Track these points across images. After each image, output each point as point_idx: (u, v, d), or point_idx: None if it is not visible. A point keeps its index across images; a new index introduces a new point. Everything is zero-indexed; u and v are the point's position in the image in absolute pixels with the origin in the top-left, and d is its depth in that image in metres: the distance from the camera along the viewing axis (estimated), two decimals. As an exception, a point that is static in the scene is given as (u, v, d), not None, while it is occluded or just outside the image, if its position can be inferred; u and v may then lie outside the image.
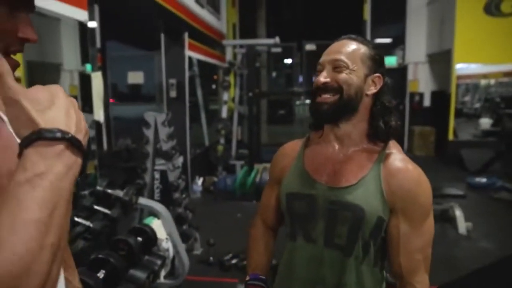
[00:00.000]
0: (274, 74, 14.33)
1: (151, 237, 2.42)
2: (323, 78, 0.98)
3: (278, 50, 7.92)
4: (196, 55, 5.44)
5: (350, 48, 0.99)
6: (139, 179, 2.98)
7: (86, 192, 2.54)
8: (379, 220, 0.96)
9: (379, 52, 1.03)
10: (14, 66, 0.54)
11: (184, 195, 3.10)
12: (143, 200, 2.68)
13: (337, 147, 1.04)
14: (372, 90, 1.00)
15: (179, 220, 2.96)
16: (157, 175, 3.67)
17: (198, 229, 3.49)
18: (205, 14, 5.74)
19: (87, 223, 2.13)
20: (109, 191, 2.36)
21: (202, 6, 5.57)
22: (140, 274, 2.29)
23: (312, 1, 14.21)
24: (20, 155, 0.44)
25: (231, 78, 6.46)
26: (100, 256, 2.00)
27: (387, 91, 1.03)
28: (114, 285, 1.99)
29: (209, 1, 6.04)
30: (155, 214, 2.71)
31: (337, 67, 0.98)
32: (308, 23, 14.34)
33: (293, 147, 1.14)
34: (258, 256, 1.19)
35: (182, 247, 2.84)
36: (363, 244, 0.98)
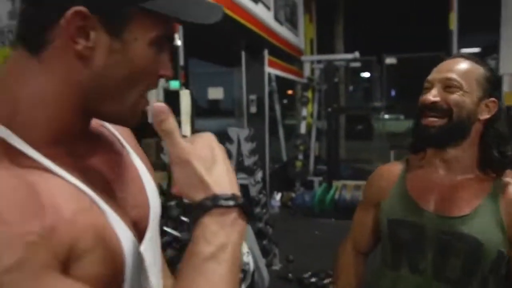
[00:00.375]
0: (352, 88, 14.02)
1: (233, 250, 2.46)
2: (432, 96, 0.90)
3: (357, 64, 7.73)
4: (275, 71, 5.52)
5: (465, 68, 0.91)
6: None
7: (173, 203, 2.68)
8: (500, 255, 0.86)
9: (495, 74, 0.94)
10: (145, 106, 0.54)
11: (264, 210, 3.11)
12: (226, 213, 2.74)
13: (443, 172, 0.95)
14: (485, 115, 0.91)
15: (259, 235, 2.97)
16: (237, 189, 3.75)
17: (277, 245, 3.48)
18: (283, 31, 5.83)
19: (176, 233, 2.23)
20: (195, 203, 2.46)
21: (281, 23, 5.67)
22: None
23: (393, 13, 13.71)
24: (195, 221, 0.45)
25: (309, 94, 6.43)
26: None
27: (502, 117, 0.93)
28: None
29: (288, 18, 6.13)
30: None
31: (449, 86, 0.90)
32: (389, 36, 13.83)
33: (391, 169, 1.07)
34: (345, 283, 1.13)
35: (262, 261, 2.84)
36: (481, 279, 0.88)
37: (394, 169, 1.06)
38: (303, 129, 6.07)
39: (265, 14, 4.86)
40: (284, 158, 6.41)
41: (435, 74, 0.94)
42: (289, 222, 4.85)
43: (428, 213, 0.94)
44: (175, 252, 2.19)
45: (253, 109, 4.83)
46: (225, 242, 0.43)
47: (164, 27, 0.48)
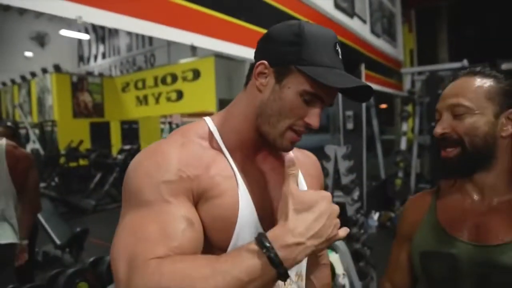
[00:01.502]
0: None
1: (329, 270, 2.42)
2: (440, 129, 0.84)
3: (465, 73, 7.06)
4: (372, 85, 5.34)
5: (472, 87, 0.83)
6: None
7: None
8: None
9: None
10: (295, 139, 0.73)
11: (362, 231, 3.01)
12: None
13: (476, 197, 0.86)
14: (509, 130, 0.81)
15: (356, 256, 2.87)
16: (333, 207, 3.68)
17: (375, 268, 3.32)
18: (381, 43, 5.64)
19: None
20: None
21: (378, 36, 5.50)
22: (320, 308, 2.30)
23: (504, 13, 12.27)
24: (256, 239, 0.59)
25: (409, 108, 6.07)
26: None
27: None
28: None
29: (385, 30, 5.92)
30: (333, 248, 2.71)
31: (457, 114, 0.82)
32: (502, 39, 12.38)
33: (423, 198, 0.98)
34: None
35: (358, 284, 2.73)
36: None
37: (424, 198, 0.97)
38: (403, 145, 5.74)
39: (361, 28, 4.77)
40: (382, 175, 6.11)
41: (441, 102, 0.86)
42: (388, 243, 4.56)
43: (461, 243, 0.83)
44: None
45: (350, 126, 4.73)
46: (240, 271, 0.57)
47: (312, 86, 0.68)
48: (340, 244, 2.66)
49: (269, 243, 0.57)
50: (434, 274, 0.88)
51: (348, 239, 2.97)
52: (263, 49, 0.74)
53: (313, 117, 0.71)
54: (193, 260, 0.60)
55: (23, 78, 9.49)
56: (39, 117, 9.12)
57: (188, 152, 0.70)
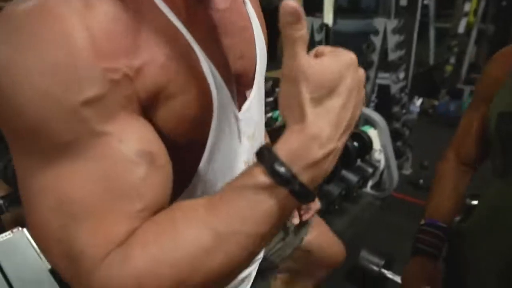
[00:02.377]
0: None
1: (367, 144, 2.42)
2: None
3: None
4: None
5: None
6: (359, 88, 2.93)
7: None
8: None
9: None
10: None
11: (404, 111, 2.90)
12: (362, 108, 2.65)
13: None
14: None
15: (394, 135, 2.83)
16: (375, 88, 3.54)
17: (412, 149, 3.30)
18: None
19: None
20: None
21: None
22: (352, 177, 2.36)
23: None
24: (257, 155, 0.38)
25: (476, -15, 5.32)
26: (320, 150, 2.13)
27: None
28: (328, 180, 2.12)
29: None
30: (372, 123, 2.66)
31: None
32: None
33: (508, 53, 0.82)
34: (441, 198, 0.94)
35: (394, 162, 2.75)
36: None
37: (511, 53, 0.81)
38: (461, 28, 5.18)
39: None
40: (431, 61, 5.70)
41: None
42: (428, 130, 4.49)
43: None
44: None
45: (403, 1, 4.25)
46: (250, 204, 0.37)
47: None
48: (380, 121, 2.61)
49: (287, 169, 0.35)
50: (511, 137, 0.76)
51: (388, 117, 2.89)
52: None
53: None
54: (175, 228, 0.36)
55: None
56: None
57: (106, 21, 0.37)
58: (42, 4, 0.35)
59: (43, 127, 0.35)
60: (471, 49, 5.30)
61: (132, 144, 0.38)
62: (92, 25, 0.36)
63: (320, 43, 3.10)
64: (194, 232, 0.36)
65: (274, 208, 0.36)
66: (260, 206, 0.36)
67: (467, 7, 5.18)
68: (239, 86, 0.57)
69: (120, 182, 0.37)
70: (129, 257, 0.35)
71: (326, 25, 2.97)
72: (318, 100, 0.36)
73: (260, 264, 0.86)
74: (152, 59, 0.41)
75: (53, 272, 1.14)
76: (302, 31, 0.36)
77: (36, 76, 0.33)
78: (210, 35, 0.51)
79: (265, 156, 0.36)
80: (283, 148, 0.36)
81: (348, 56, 0.39)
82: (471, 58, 5.48)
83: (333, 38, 6.05)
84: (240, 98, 0.58)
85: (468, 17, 5.21)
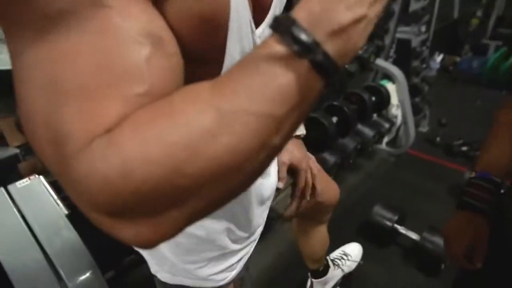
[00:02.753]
0: None
1: (384, 98, 2.35)
2: None
3: None
4: None
5: None
6: (378, 41, 2.80)
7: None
8: None
9: None
10: None
11: (424, 65, 2.79)
12: (380, 61, 2.55)
13: None
14: None
15: (413, 91, 2.74)
16: (394, 43, 3.39)
17: (430, 106, 3.21)
18: None
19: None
20: (350, 44, 2.32)
21: None
22: (368, 131, 2.32)
23: None
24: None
25: None
26: (335, 103, 2.07)
27: None
28: (343, 133, 2.08)
29: None
30: (390, 78, 2.57)
31: None
32: None
33: None
34: (497, 149, 0.86)
35: (411, 118, 2.68)
36: None
37: None
38: (490, -22, 4.86)
39: None
40: (455, 15, 5.41)
41: None
42: (447, 87, 4.35)
43: None
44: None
45: None
46: (270, 75, 0.30)
47: None
48: (398, 75, 2.52)
49: (308, 35, 0.29)
50: None
51: (407, 72, 2.79)
52: None
53: None
54: (173, 109, 0.30)
55: None
56: None
57: None
58: None
59: None
60: (499, 1, 4.99)
61: (136, 22, 0.33)
62: None
63: None
64: (194, 112, 0.30)
65: (292, 84, 0.30)
66: (275, 81, 0.29)
67: (498, -47, 4.82)
68: (255, 11, 0.51)
69: (119, 61, 0.31)
70: (116, 139, 0.29)
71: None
72: None
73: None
74: None
75: (69, 216, 1.17)
76: None
77: None
78: None
79: (281, 23, 0.30)
80: (303, 11, 0.30)
81: None
82: (499, 10, 5.18)
83: None
84: (260, 15, 0.52)
85: (499, -35, 4.86)
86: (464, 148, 2.94)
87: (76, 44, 0.31)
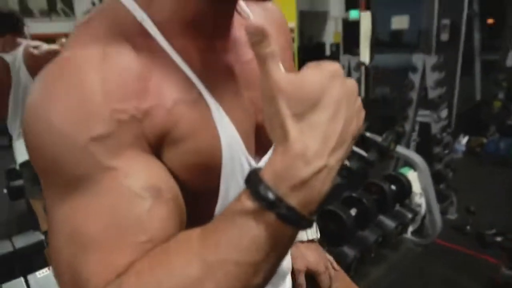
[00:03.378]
0: None
1: (405, 187, 2.28)
2: None
3: None
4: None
5: None
6: (398, 127, 2.82)
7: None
8: None
9: None
10: None
11: (446, 151, 2.74)
12: (401, 149, 2.52)
13: None
14: None
15: (436, 178, 2.66)
16: (416, 127, 3.40)
17: (456, 192, 3.08)
18: None
19: (345, 161, 2.18)
20: (368, 134, 2.33)
21: None
22: (390, 222, 2.22)
23: None
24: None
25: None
26: (353, 195, 2.03)
27: None
28: (363, 226, 2.00)
29: None
30: (411, 165, 2.52)
31: None
32: None
33: None
34: None
35: (436, 206, 2.57)
36: None
37: None
38: (510, 61, 4.93)
39: None
40: (478, 97, 5.44)
41: None
42: (475, 170, 4.21)
43: None
44: (344, 181, 2.16)
45: (444, 36, 4.12)
46: (239, 231, 0.36)
47: None
48: (420, 162, 2.47)
49: (272, 192, 0.34)
50: None
51: (429, 158, 2.74)
52: None
53: None
54: (168, 259, 0.37)
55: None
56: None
57: (118, 70, 0.42)
58: (69, 55, 0.43)
59: (59, 163, 0.40)
60: (521, 83, 5.00)
61: (137, 179, 0.40)
62: (105, 73, 0.41)
63: (357, 81, 3.04)
64: (184, 262, 0.36)
65: (263, 234, 0.35)
66: (248, 233, 0.35)
67: (515, 40, 4.94)
68: (261, 138, 0.55)
69: (125, 215, 0.39)
70: (124, 285, 0.36)
71: (363, 63, 2.92)
72: (300, 116, 0.35)
73: None
74: (160, 103, 0.44)
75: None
76: (270, 47, 0.36)
77: (54, 116, 0.39)
78: (229, 87, 0.52)
79: (251, 180, 0.36)
80: (268, 170, 0.35)
81: (330, 67, 0.37)
82: (521, 92, 5.17)
83: (373, 73, 6.01)
84: (262, 149, 0.57)
85: (517, 50, 4.96)
86: (498, 239, 2.74)
87: (90, 204, 0.39)
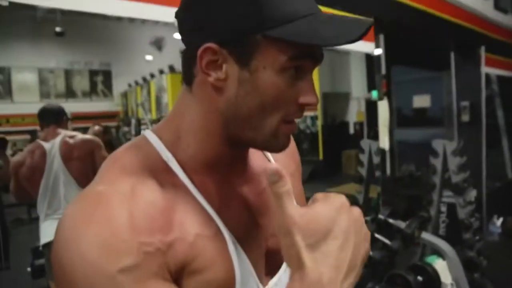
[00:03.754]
0: None
1: (433, 278, 2.16)
2: None
3: None
4: (495, 71, 4.64)
5: None
6: (423, 211, 2.75)
7: (368, 218, 2.57)
8: None
9: None
10: (292, 131, 0.53)
11: (477, 237, 2.62)
12: (426, 235, 2.44)
13: None
14: None
15: (469, 266, 2.51)
16: (443, 208, 3.29)
17: (493, 281, 2.87)
18: (509, 20, 4.84)
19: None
20: (391, 221, 2.29)
21: (505, 11, 4.73)
22: (419, 319, 2.07)
23: None
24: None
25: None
26: (377, 287, 1.94)
27: None
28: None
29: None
30: (439, 253, 2.41)
31: None
32: None
33: None
34: None
35: (472, 299, 2.39)
36: None
37: None
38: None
39: (480, 5, 4.15)
40: (510, 175, 5.28)
41: None
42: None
43: None
44: (367, 271, 2.09)
45: (465, 118, 4.17)
46: None
47: (296, 52, 0.46)
48: (448, 250, 2.36)
49: None
50: None
51: (459, 244, 2.62)
52: (198, 24, 0.49)
53: (309, 92, 0.50)
54: None
55: (144, 79, 10.63)
56: (157, 113, 10.16)
57: (145, 205, 0.46)
58: (100, 190, 0.47)
59: None
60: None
61: None
62: (133, 208, 0.45)
63: (378, 166, 3.07)
64: None
65: None
66: None
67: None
68: (272, 262, 0.59)
69: None
70: None
71: (383, 149, 2.97)
72: (314, 246, 0.39)
73: None
74: (182, 237, 0.47)
75: None
76: (286, 186, 0.40)
77: (85, 249, 0.42)
78: (243, 218, 0.56)
79: None
80: None
81: (338, 200, 0.41)
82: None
83: (399, 148, 6.00)
84: (272, 271, 0.60)
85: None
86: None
87: None
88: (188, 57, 0.51)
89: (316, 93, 0.51)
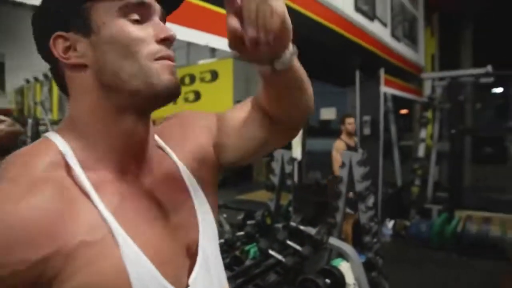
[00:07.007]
0: (479, 106, 12.48)
1: (339, 280, 2.35)
2: None
3: (489, 79, 6.85)
4: (391, 91, 5.24)
5: None
6: (330, 218, 2.98)
7: (280, 225, 2.69)
8: None
9: None
10: (169, 66, 0.54)
11: (375, 240, 2.92)
12: (333, 240, 2.65)
13: None
14: None
15: (368, 266, 2.79)
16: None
17: (387, 279, 3.22)
18: (401, 47, 5.52)
19: (280, 257, 2.23)
20: (302, 228, 2.43)
21: (398, 39, 5.38)
22: (327, 318, 2.23)
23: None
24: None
25: (429, 114, 5.92)
26: (290, 292, 2.04)
27: None
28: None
29: (406, 34, 5.78)
30: (343, 256, 2.64)
31: None
32: (530, 46, 11.94)
33: None
34: None
35: (370, 296, 2.65)
36: None
37: None
38: (421, 152, 5.59)
39: (381, 32, 4.67)
40: (399, 183, 5.97)
41: None
42: (402, 253, 4.47)
43: None
44: (279, 278, 2.19)
45: (367, 131, 4.63)
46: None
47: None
48: (351, 253, 2.59)
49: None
50: None
51: (360, 248, 2.89)
52: (43, 32, 0.54)
53: (160, 28, 0.53)
54: None
55: (45, 76, 9.68)
56: (59, 114, 9.32)
57: (30, 215, 0.44)
58: None
59: None
60: (433, 169, 5.64)
61: None
62: (15, 219, 0.43)
63: (289, 175, 3.23)
64: None
65: None
66: None
67: (424, 133, 5.66)
68: (184, 259, 0.58)
69: None
70: None
71: (295, 159, 3.14)
72: None
73: None
74: (63, 246, 0.45)
75: None
76: None
77: None
78: (148, 216, 0.54)
79: None
80: None
81: None
82: (434, 177, 5.79)
83: (306, 157, 6.39)
84: (192, 266, 0.59)
85: (426, 141, 5.65)
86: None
87: None
88: (55, 71, 0.56)
89: (170, 28, 0.54)
